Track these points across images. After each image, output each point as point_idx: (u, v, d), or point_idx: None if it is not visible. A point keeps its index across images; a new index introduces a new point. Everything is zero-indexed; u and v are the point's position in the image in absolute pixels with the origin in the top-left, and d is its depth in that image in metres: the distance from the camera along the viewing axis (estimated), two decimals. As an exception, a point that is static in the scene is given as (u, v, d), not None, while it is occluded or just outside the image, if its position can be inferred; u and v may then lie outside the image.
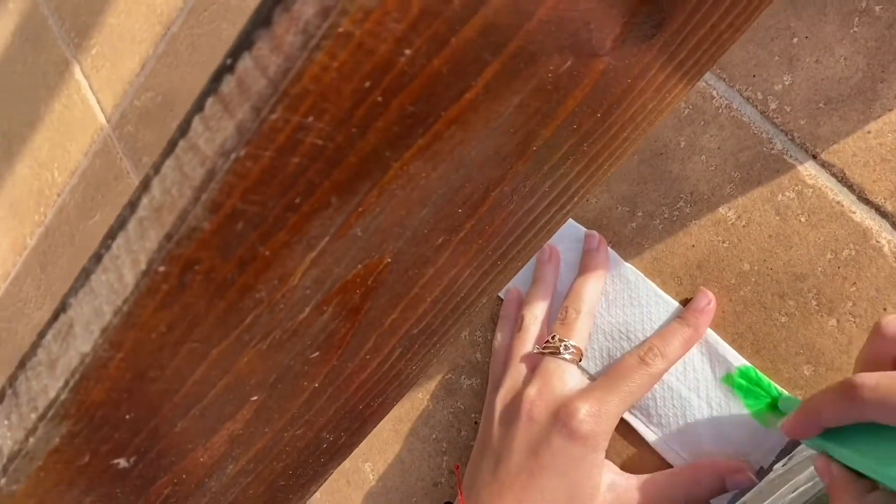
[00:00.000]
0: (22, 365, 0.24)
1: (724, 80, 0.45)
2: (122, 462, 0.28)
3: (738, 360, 0.42)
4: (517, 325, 0.47)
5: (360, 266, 0.27)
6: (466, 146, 0.26)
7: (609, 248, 0.47)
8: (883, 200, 0.40)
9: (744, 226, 0.43)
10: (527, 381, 0.44)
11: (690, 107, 0.46)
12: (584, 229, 0.48)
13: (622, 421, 0.44)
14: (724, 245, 0.44)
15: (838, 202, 0.41)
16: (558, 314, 0.46)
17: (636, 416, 0.44)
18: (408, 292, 0.31)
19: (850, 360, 0.39)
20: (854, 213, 0.40)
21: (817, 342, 0.40)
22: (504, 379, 0.45)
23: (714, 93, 0.45)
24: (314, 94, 0.20)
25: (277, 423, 0.32)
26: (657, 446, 0.43)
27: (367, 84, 0.21)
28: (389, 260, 0.28)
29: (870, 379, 0.30)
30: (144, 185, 0.22)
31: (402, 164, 0.24)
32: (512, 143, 0.27)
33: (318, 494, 0.58)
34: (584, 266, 0.47)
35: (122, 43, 0.80)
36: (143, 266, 0.22)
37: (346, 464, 0.57)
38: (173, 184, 0.21)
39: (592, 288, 0.46)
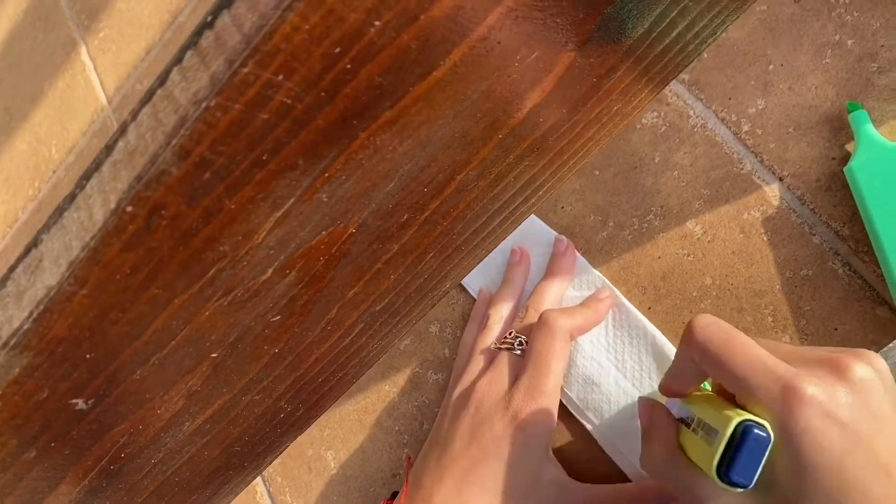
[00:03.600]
0: (-10, 295, 0.25)
1: (702, 100, 0.46)
2: (79, 403, 0.29)
3: (692, 370, 0.43)
4: (483, 323, 0.48)
5: (324, 233, 0.28)
6: (433, 125, 0.27)
7: (579, 255, 0.48)
8: (841, 225, 0.41)
9: (709, 241, 0.44)
10: (481, 374, 0.45)
11: (667, 124, 0.47)
12: (555, 234, 0.49)
13: (575, 428, 0.45)
14: (689, 258, 0.45)
15: (800, 224, 0.42)
16: (519, 313, 0.47)
17: (586, 416, 0.45)
18: (371, 266, 0.32)
19: (800, 377, 0.40)
20: (814, 235, 0.42)
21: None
22: (463, 373, 0.47)
23: (691, 112, 0.47)
24: (285, 52, 0.21)
25: (236, 385, 0.33)
26: (601, 440, 0.45)
27: (337, 50, 0.22)
28: (354, 230, 0.29)
29: (702, 322, 0.32)
30: (122, 131, 0.23)
31: (369, 135, 0.26)
32: (478, 128, 0.29)
33: (279, 479, 0.58)
34: (550, 269, 0.48)
35: (130, 28, 0.82)
36: (112, 205, 0.23)
37: (309, 451, 0.58)
38: (148, 129, 0.23)
39: (555, 290, 0.47)
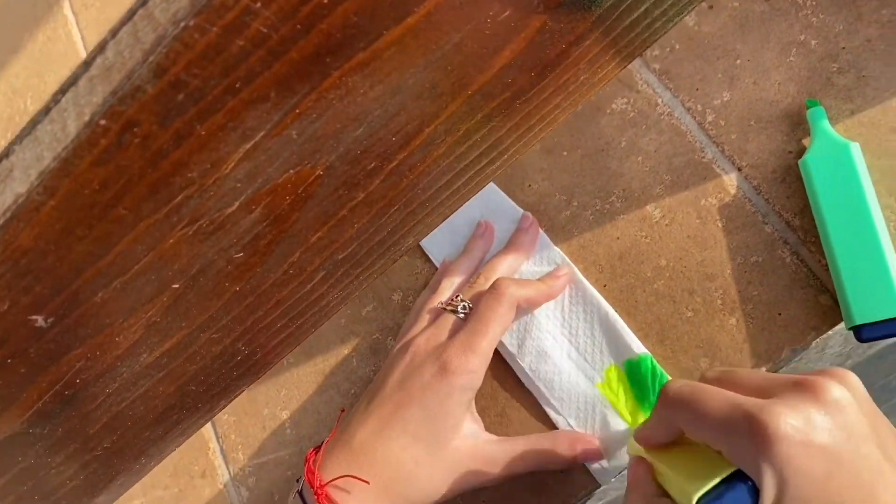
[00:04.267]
0: (-42, 200, 0.26)
1: (671, 89, 0.48)
2: (39, 320, 0.29)
3: (639, 348, 0.44)
4: (434, 287, 0.50)
5: (292, 171, 0.29)
6: (404, 72, 0.28)
7: (541, 232, 0.50)
8: (792, 216, 0.43)
9: (667, 224, 0.46)
10: (422, 332, 0.46)
11: (636, 111, 0.49)
12: (521, 210, 0.50)
13: (524, 398, 0.47)
14: (646, 240, 0.46)
15: (754, 213, 0.44)
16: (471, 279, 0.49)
17: (536, 386, 0.47)
18: (336, 212, 0.33)
19: (744, 357, 0.42)
20: (766, 224, 0.44)
21: (716, 338, 0.43)
22: (407, 331, 0.48)
23: (659, 100, 0.48)
24: (264, -21, 0.22)
25: (195, 320, 0.34)
26: (548, 410, 0.46)
27: (315, -17, 0.23)
28: (321, 172, 0.30)
29: (675, 384, 0.33)
30: (101, 48, 0.24)
31: (341, 74, 0.27)
32: (448, 82, 0.30)
33: (233, 436, 0.59)
34: (510, 242, 0.49)
35: (116, -15, 0.82)
36: (86, 118, 0.24)
37: (265, 410, 0.58)
38: (126, 47, 0.23)
39: (509, 262, 0.48)
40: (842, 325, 0.40)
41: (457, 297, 0.48)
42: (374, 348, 0.55)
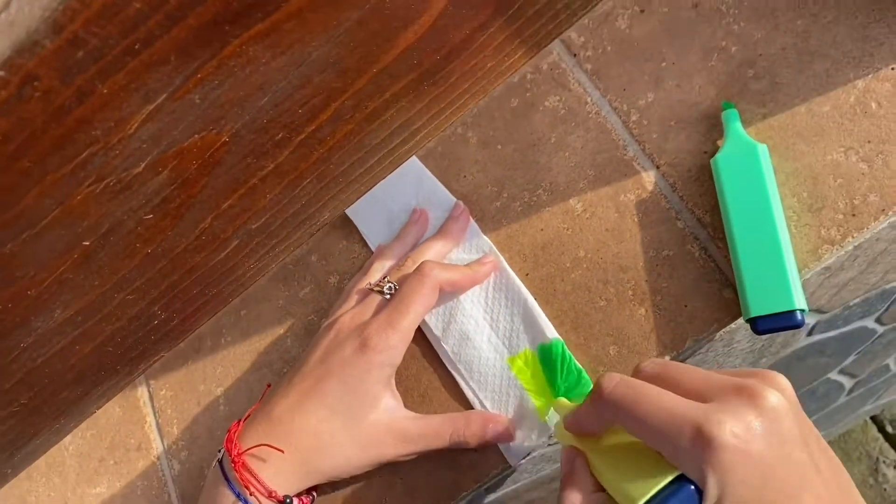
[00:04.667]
0: None
1: (600, 89, 0.50)
2: (-53, 267, 0.30)
3: (552, 333, 0.46)
4: (364, 270, 0.51)
5: (197, 136, 0.31)
6: (306, 45, 0.30)
7: (472, 221, 0.51)
8: (703, 213, 0.45)
9: (587, 218, 0.48)
10: (348, 311, 0.48)
11: (566, 108, 0.50)
12: (454, 199, 0.52)
13: (445, 379, 0.48)
14: (568, 232, 0.48)
15: (668, 209, 0.46)
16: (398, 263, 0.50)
17: (458, 368, 0.48)
18: (246, 181, 0.34)
19: (650, 346, 0.44)
20: (679, 220, 0.45)
21: (626, 327, 0.45)
22: (335, 311, 0.49)
23: (588, 99, 0.50)
24: (156, -56, 0.24)
25: (108, 280, 0.35)
26: (467, 392, 0.48)
27: (208, -49, 0.24)
28: (227, 139, 0.32)
29: (610, 381, 0.34)
30: (5, 5, 0.25)
31: (241, 43, 0.28)
32: (353, 58, 0.31)
33: (169, 411, 0.60)
34: (441, 229, 0.51)
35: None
36: (-13, 69, 0.25)
37: (201, 387, 0.59)
38: (27, 3, 0.25)
39: (438, 248, 0.50)
40: (742, 319, 0.42)
41: (384, 278, 0.49)
42: (308, 329, 0.56)
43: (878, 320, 0.62)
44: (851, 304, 0.53)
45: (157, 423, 0.61)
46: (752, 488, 0.29)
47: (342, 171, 0.36)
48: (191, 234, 0.35)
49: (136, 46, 0.26)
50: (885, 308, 0.59)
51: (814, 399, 0.77)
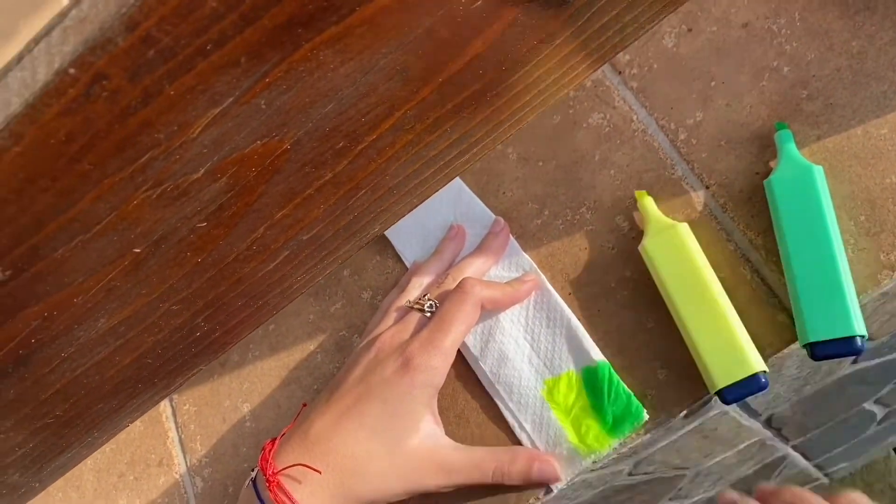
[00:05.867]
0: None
1: (646, 107, 0.49)
2: (-3, 271, 0.29)
3: (597, 355, 0.45)
4: (402, 286, 0.50)
5: (259, 143, 0.30)
6: (376, 52, 0.29)
7: (512, 238, 0.50)
8: (756, 235, 0.44)
9: (633, 237, 0.47)
10: (387, 328, 0.47)
11: (611, 126, 0.50)
12: (493, 215, 0.51)
13: (482, 398, 0.47)
14: (613, 252, 0.47)
15: (719, 230, 0.45)
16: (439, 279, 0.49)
17: (496, 388, 0.47)
18: (303, 190, 0.33)
19: (697, 370, 0.43)
20: (730, 242, 0.44)
21: (675, 350, 0.44)
22: (373, 328, 0.48)
23: (634, 117, 0.49)
24: (239, -59, 0.23)
25: (156, 288, 0.34)
26: (506, 414, 0.46)
27: (290, -49, 0.24)
28: (288, 147, 0.31)
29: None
30: (76, 1, 0.25)
31: (312, 47, 0.27)
32: (419, 66, 0.30)
33: (192, 427, 0.59)
34: (481, 246, 0.50)
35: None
36: (56, 66, 0.24)
37: (226, 402, 0.58)
38: (100, 0, 0.24)
39: (478, 265, 0.49)
40: (797, 345, 0.41)
41: (424, 296, 0.48)
42: (339, 345, 0.55)
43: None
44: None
45: (180, 439, 0.59)
46: None
47: (397, 182, 0.35)
48: (242, 243, 0.34)
49: (208, 47, 0.25)
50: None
51: (846, 429, 0.75)
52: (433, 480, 0.44)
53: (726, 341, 0.41)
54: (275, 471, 0.43)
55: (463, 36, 0.30)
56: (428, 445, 0.44)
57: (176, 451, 0.59)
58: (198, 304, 0.36)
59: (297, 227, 0.35)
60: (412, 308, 0.48)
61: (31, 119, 0.25)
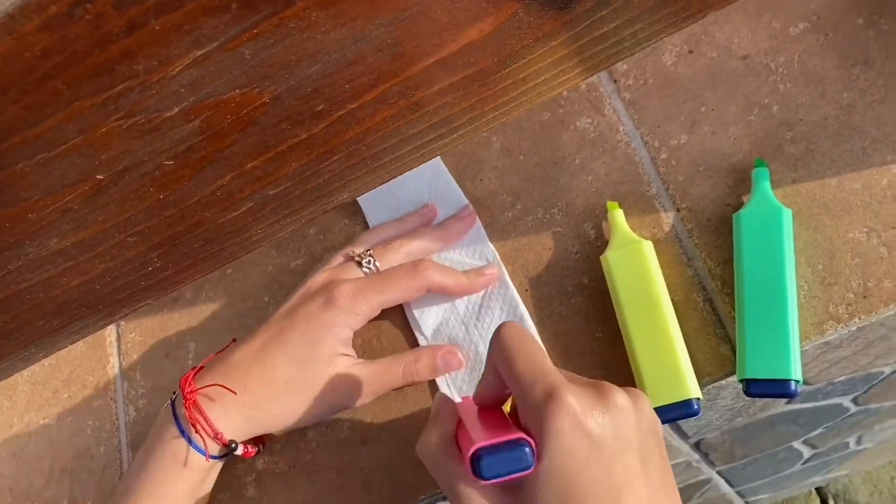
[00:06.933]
0: None
1: (634, 120, 0.49)
2: (-48, 174, 0.29)
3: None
4: (354, 240, 0.51)
5: (237, 91, 0.30)
6: (369, 23, 0.28)
7: (481, 227, 0.51)
8: (715, 265, 0.44)
9: (598, 246, 0.47)
10: (323, 271, 0.49)
11: (597, 132, 0.50)
12: (466, 201, 0.51)
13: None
14: (576, 256, 0.48)
15: (681, 253, 0.45)
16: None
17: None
18: (276, 146, 0.33)
19: (638, 387, 0.43)
20: (689, 266, 0.45)
21: (617, 362, 0.44)
22: (314, 271, 0.50)
23: (621, 128, 0.49)
24: None
25: (112, 218, 0.34)
26: None
27: None
28: (267, 100, 0.30)
29: (510, 327, 0.36)
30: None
31: (306, 6, 0.27)
32: (411, 44, 0.30)
33: (135, 356, 0.59)
34: (441, 224, 0.50)
35: None
36: (41, -19, 0.24)
37: (173, 338, 0.58)
38: (97, -80, 0.24)
39: (430, 239, 0.50)
40: (735, 378, 0.42)
41: (367, 251, 0.49)
42: (293, 301, 0.55)
43: (854, 400, 0.62)
44: (836, 381, 0.53)
45: (121, 366, 0.59)
46: (574, 460, 0.31)
47: (372, 154, 0.35)
48: (207, 188, 0.34)
49: (202, -12, 0.25)
50: (864, 390, 0.59)
51: (772, 463, 0.77)
52: (348, 398, 0.47)
53: (667, 363, 0.42)
54: (192, 389, 0.45)
55: (459, 21, 0.30)
56: (340, 370, 0.46)
57: (114, 376, 0.59)
58: (153, 240, 0.36)
59: (265, 180, 0.35)
60: (352, 259, 0.49)
61: (8, 29, 0.25)
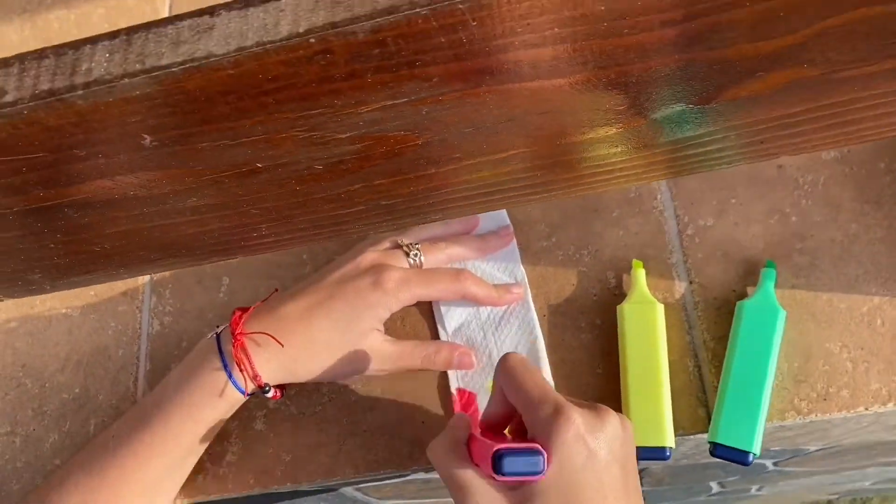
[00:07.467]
0: None
1: (672, 192, 0.56)
2: (147, 139, 0.34)
3: (548, 376, 0.53)
4: (404, 230, 0.58)
5: (401, 133, 0.35)
6: (525, 111, 0.34)
7: (516, 247, 0.57)
8: (711, 339, 0.52)
9: (615, 294, 0.54)
10: (374, 250, 0.55)
11: (638, 194, 0.56)
12: (508, 221, 0.58)
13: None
14: (594, 298, 0.55)
15: (684, 320, 0.53)
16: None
17: (456, 373, 0.54)
18: (407, 173, 0.38)
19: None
20: (689, 334, 0.52)
21: (608, 402, 0.52)
22: (363, 245, 0.56)
23: (659, 196, 0.56)
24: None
25: (250, 193, 0.39)
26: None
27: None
28: (419, 143, 0.36)
29: (515, 356, 0.44)
30: (333, -19, 0.29)
31: (487, 90, 0.32)
32: (549, 129, 0.36)
33: (168, 275, 0.63)
34: (482, 237, 0.57)
35: None
36: (300, 29, 0.29)
37: (208, 269, 0.63)
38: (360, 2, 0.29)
39: (471, 248, 0.57)
40: (705, 436, 0.50)
41: (416, 244, 0.55)
42: (329, 261, 0.60)
43: (776, 463, 0.72)
44: (772, 449, 0.62)
45: (152, 280, 0.64)
46: (574, 468, 0.39)
47: (473, 194, 0.41)
48: (336, 190, 0.39)
49: (417, 63, 0.30)
50: (787, 458, 0.69)
51: (685, 492, 0.87)
52: (372, 365, 0.53)
53: (653, 411, 0.49)
54: (243, 332, 0.50)
55: (594, 123, 0.36)
56: (371, 343, 0.53)
57: (144, 287, 0.64)
58: (271, 215, 0.41)
59: (384, 194, 0.40)
60: (401, 247, 0.55)
61: (256, 57, 0.29)
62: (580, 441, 0.39)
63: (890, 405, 0.48)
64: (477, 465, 0.41)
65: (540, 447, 0.39)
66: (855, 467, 0.80)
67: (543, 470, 0.38)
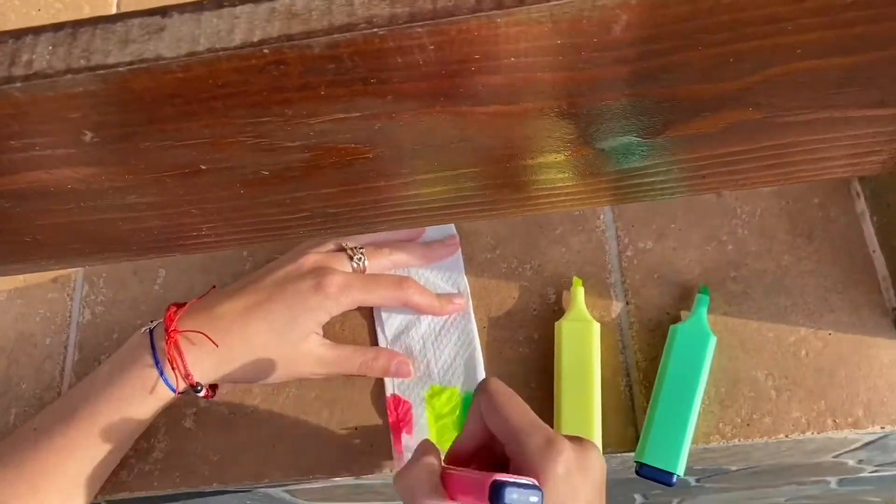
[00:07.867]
0: None
1: (614, 213, 0.57)
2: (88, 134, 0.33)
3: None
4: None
5: (353, 144, 0.35)
6: (480, 133, 0.34)
7: (461, 257, 0.57)
8: (643, 359, 0.53)
9: (554, 310, 0.55)
10: (317, 252, 0.55)
11: (582, 213, 0.57)
12: (454, 232, 0.58)
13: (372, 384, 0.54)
14: (534, 313, 0.55)
15: (618, 340, 0.54)
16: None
17: (393, 381, 0.54)
18: (355, 184, 0.38)
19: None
20: (622, 354, 0.54)
21: (542, 416, 0.52)
22: (305, 246, 0.56)
23: (602, 216, 0.57)
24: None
25: (191, 194, 0.38)
26: None
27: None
28: (370, 155, 0.36)
29: (496, 382, 0.44)
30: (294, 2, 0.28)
31: (441, 111, 0.32)
32: (498, 152, 0.36)
33: (101, 266, 0.61)
34: (427, 245, 0.57)
35: None
36: (255, 39, 0.28)
37: (144, 260, 0.61)
38: (316, 12, 0.28)
39: (415, 255, 0.57)
40: (632, 455, 0.51)
41: (360, 248, 0.55)
42: (270, 261, 0.60)
43: (698, 480, 0.74)
44: (696, 468, 0.64)
45: (85, 269, 0.62)
46: (562, 498, 0.39)
47: (419, 208, 0.41)
48: (281, 196, 0.38)
49: (372, 80, 0.30)
50: (709, 476, 0.71)
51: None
52: (308, 368, 0.53)
53: (584, 428, 0.50)
54: (177, 329, 0.49)
55: (543, 150, 0.36)
56: (310, 346, 0.53)
57: (77, 276, 0.62)
58: (213, 219, 0.40)
59: (331, 203, 0.40)
60: (344, 250, 0.55)
61: (206, 63, 0.29)
62: (570, 475, 0.39)
63: (808, 433, 0.50)
64: (452, 499, 0.40)
65: (536, 482, 0.38)
66: (771, 485, 0.83)
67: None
